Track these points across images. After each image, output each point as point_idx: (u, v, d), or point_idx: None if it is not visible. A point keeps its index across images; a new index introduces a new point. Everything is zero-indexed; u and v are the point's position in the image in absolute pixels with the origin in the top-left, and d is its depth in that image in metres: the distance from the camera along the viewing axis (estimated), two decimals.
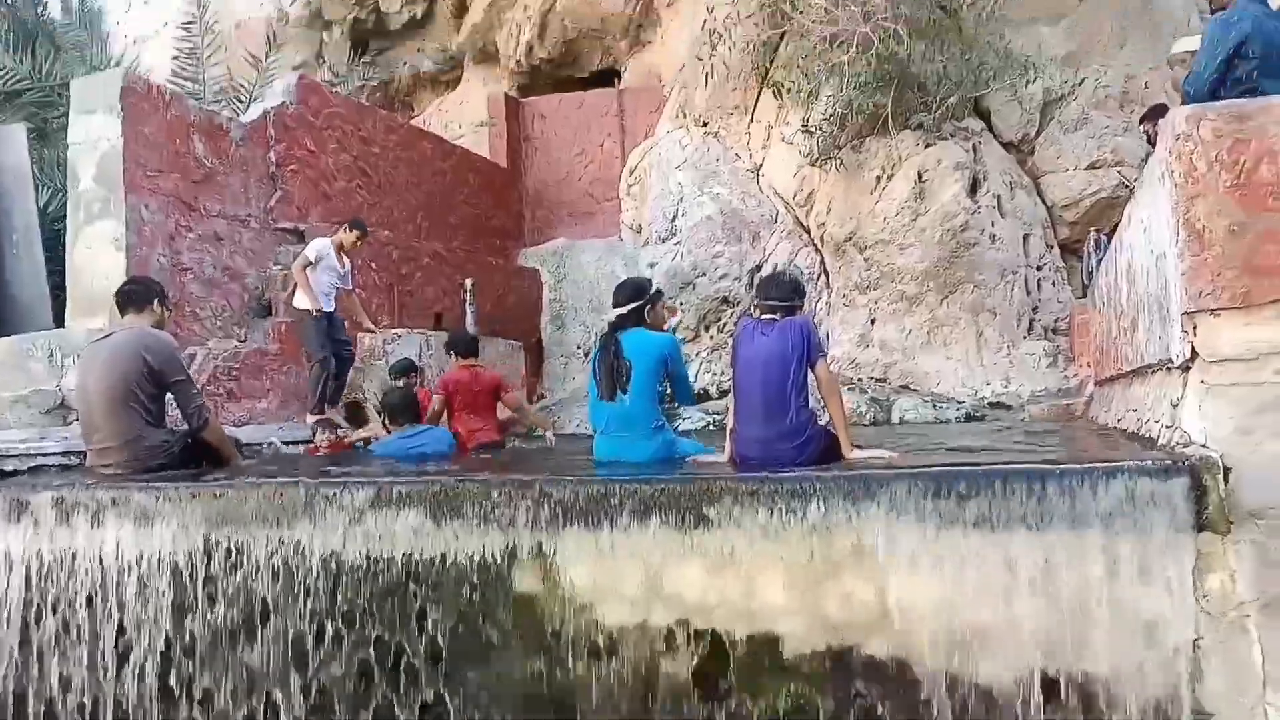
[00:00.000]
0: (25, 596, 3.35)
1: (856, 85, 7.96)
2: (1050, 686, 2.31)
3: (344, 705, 2.90)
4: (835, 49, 7.91)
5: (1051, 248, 8.51)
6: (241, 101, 9.33)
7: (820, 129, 8.36)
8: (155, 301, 4.21)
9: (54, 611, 3.35)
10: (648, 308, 3.66)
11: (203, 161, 6.88)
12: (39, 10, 12.31)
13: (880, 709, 2.43)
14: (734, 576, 2.57)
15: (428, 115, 12.22)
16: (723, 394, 7.90)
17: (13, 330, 6.41)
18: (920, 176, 8.24)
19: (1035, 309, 8.30)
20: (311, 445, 6.00)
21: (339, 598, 2.96)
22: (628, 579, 2.67)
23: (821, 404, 3.35)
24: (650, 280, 3.90)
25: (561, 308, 10.19)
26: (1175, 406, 2.74)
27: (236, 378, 6.17)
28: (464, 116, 11.97)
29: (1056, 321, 8.30)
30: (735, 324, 8.88)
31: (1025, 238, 8.36)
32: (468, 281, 8.56)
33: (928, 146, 8.33)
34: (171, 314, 4.71)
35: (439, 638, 2.81)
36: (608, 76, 11.77)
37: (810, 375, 3.25)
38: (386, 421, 5.27)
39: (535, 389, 9.39)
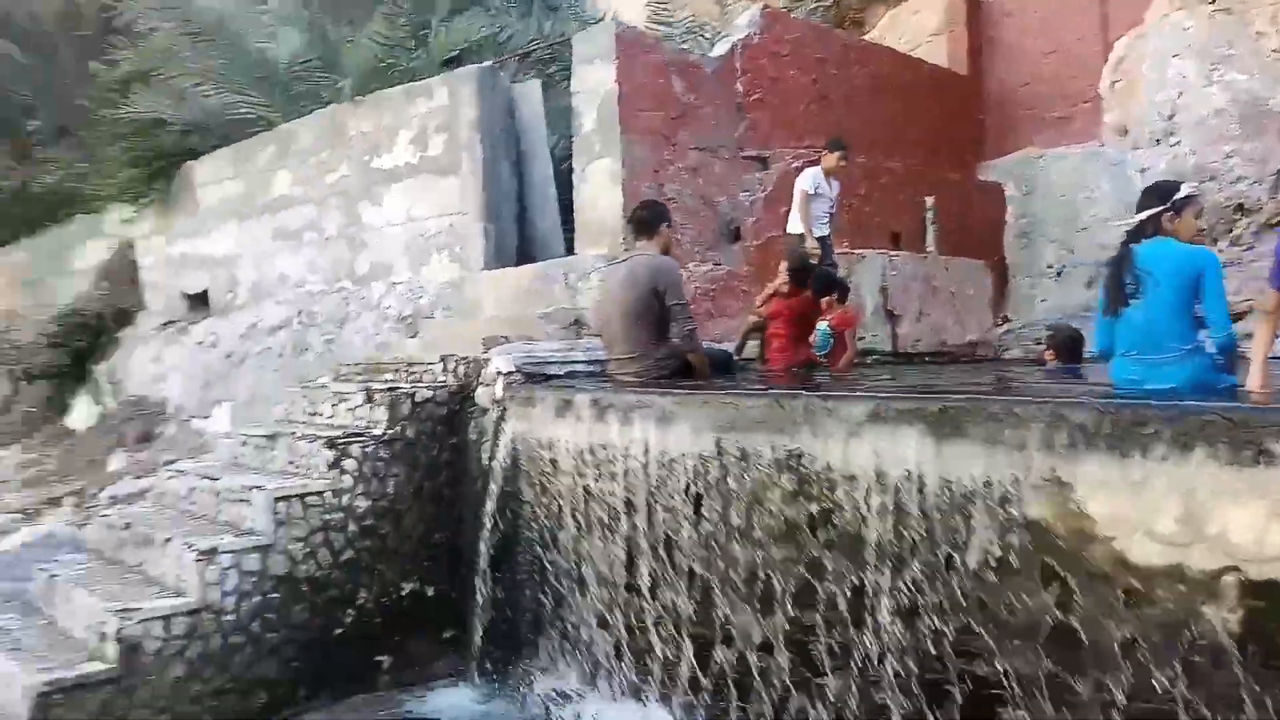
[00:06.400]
0: (572, 479, 4.02)
1: None
2: None
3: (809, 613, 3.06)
4: None
5: None
6: (707, 38, 9.86)
7: None
8: (662, 226, 4.69)
9: (590, 494, 3.98)
10: (1169, 214, 3.25)
11: (679, 99, 7.43)
12: None
13: None
14: None
15: (881, 30, 11.88)
16: (1239, 316, 6.76)
17: (536, 258, 7.59)
18: None
19: None
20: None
21: (830, 507, 3.10)
22: (1161, 515, 2.43)
23: None
24: (1180, 184, 3.43)
25: (1029, 224, 9.40)
26: None
27: (714, 298, 6.68)
28: (918, 26, 11.43)
29: None
30: (1252, 234, 7.52)
31: None
32: (928, 200, 8.27)
33: None
34: (674, 235, 5.11)
35: (939, 560, 2.82)
36: None
37: None
38: (1056, 356, 5.32)
39: (999, 311, 8.86)
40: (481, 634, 4.29)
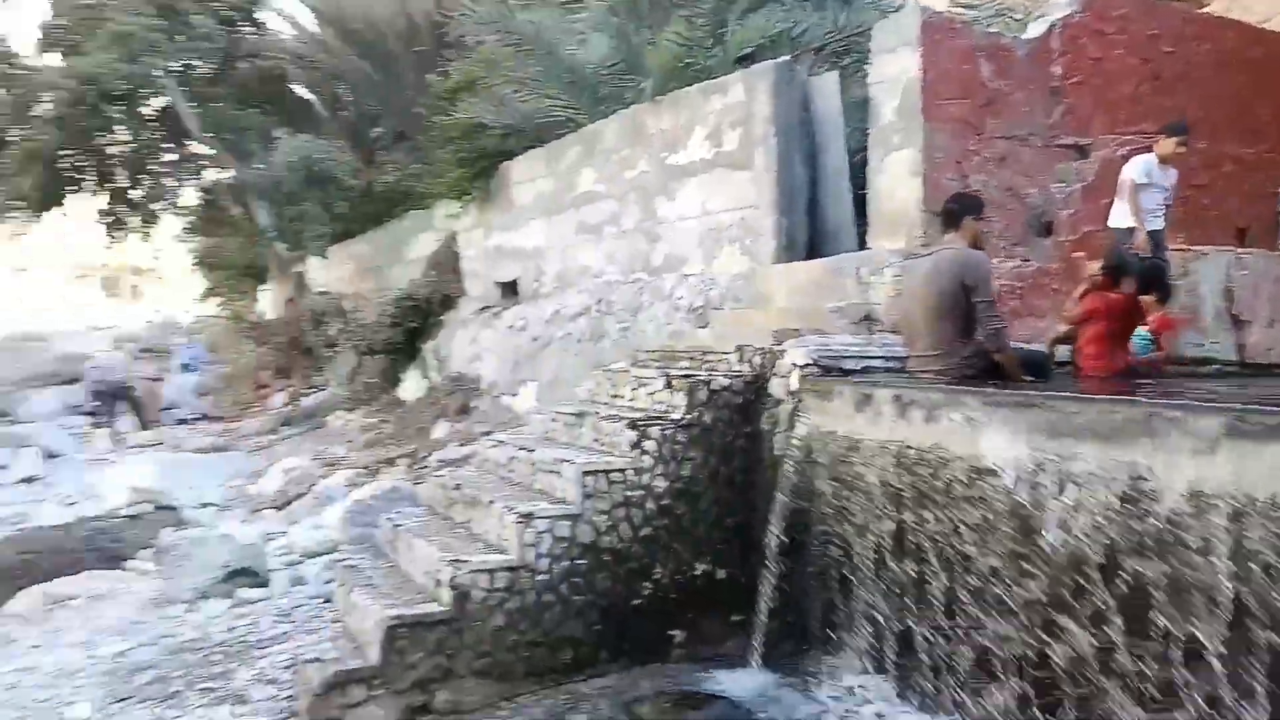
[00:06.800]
0: (870, 475, 3.96)
1: None
2: None
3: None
4: None
5: None
6: (1017, 19, 9.23)
7: None
8: (967, 218, 4.48)
9: (888, 492, 3.90)
10: None
11: (987, 85, 7.02)
12: None
13: None
14: None
15: (1226, 1, 10.50)
16: None
17: (826, 252, 7.53)
18: None
19: None
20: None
21: (1172, 530, 2.80)
22: None
23: None
24: None
25: None
26: None
27: (1020, 296, 6.27)
28: None
29: None
30: None
31: None
32: None
33: None
34: (982, 227, 4.78)
35: None
36: None
37: None
38: None
39: None
40: (769, 620, 4.35)
